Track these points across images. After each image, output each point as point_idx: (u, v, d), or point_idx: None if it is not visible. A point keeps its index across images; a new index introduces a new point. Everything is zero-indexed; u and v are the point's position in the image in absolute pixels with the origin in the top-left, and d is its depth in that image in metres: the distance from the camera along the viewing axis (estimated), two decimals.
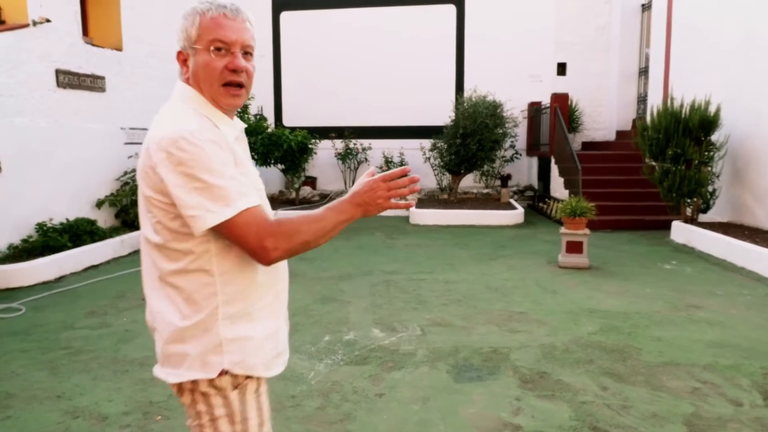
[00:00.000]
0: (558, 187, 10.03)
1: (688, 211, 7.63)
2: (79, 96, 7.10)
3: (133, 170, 7.79)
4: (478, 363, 3.58)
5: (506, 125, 10.22)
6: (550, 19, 11.87)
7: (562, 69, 12.01)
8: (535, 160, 11.80)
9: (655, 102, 9.24)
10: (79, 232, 6.44)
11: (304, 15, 12.49)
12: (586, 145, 11.61)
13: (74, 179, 6.92)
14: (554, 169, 10.30)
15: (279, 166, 10.30)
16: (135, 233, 7.21)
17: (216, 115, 1.35)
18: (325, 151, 12.03)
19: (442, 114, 11.03)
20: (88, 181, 7.19)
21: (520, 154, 11.79)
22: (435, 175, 11.28)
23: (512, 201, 10.62)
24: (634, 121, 11.10)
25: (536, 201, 11.05)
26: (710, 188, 7.45)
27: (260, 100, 12.15)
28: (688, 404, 3.00)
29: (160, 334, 1.35)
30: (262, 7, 12.48)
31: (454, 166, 10.30)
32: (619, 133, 11.63)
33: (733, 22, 7.67)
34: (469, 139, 9.81)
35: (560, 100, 10.14)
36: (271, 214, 1.34)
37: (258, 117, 11.27)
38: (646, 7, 11.27)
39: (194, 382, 1.32)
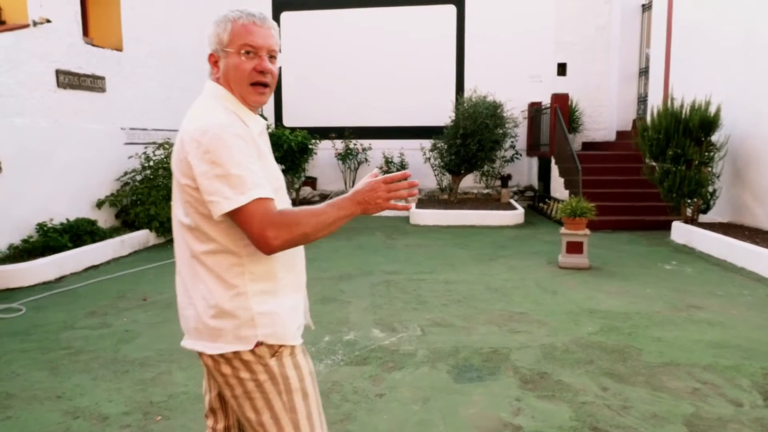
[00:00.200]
0: (558, 188, 10.03)
1: (689, 211, 7.63)
2: (79, 96, 7.10)
3: (133, 170, 7.80)
4: (479, 363, 3.58)
5: (506, 125, 10.22)
6: (550, 19, 11.87)
7: (562, 69, 12.00)
8: (535, 161, 11.80)
9: (655, 102, 9.24)
10: (79, 233, 6.44)
11: (304, 15, 12.50)
12: (587, 146, 11.61)
13: (74, 179, 6.92)
14: (554, 170, 10.30)
15: (279, 166, 10.28)
16: (135, 233, 7.22)
17: (243, 111, 1.50)
18: (325, 151, 12.03)
19: (443, 114, 11.03)
20: (89, 181, 7.19)
21: (521, 155, 11.79)
22: (435, 176, 11.28)
23: (512, 201, 10.62)
24: (634, 121, 11.10)
25: (536, 201, 11.05)
26: (710, 188, 7.44)
27: None
28: (688, 405, 3.00)
29: (194, 310, 1.47)
30: (262, 8, 12.33)
31: (455, 167, 10.30)
32: (620, 134, 11.63)
33: (734, 22, 7.67)
34: (470, 140, 9.81)
35: (560, 100, 10.14)
36: (288, 206, 1.47)
37: None
38: (646, 7, 11.27)
39: (236, 353, 1.44)
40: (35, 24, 6.31)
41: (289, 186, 10.89)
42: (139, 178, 7.79)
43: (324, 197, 11.16)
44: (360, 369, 3.51)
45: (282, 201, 1.50)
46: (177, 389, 3.26)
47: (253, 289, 1.44)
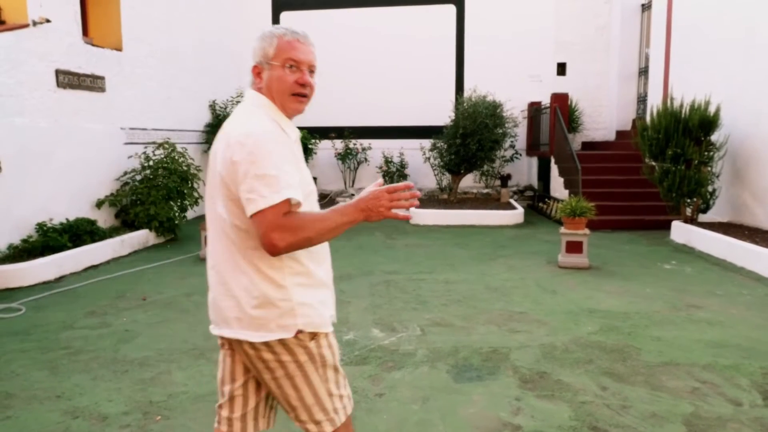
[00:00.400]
0: (558, 187, 10.03)
1: (688, 211, 7.63)
2: (79, 96, 7.10)
3: (133, 170, 7.80)
4: (478, 363, 3.58)
5: (506, 125, 10.21)
6: (550, 19, 11.87)
7: (561, 69, 12.01)
8: (534, 160, 11.80)
9: (654, 102, 9.24)
10: (79, 232, 6.44)
11: (304, 15, 12.49)
12: (586, 145, 11.61)
13: (74, 179, 6.92)
14: (554, 169, 10.30)
15: None
16: (135, 233, 7.22)
17: (283, 119, 1.64)
18: (325, 151, 12.03)
19: (442, 114, 11.03)
20: (88, 181, 7.19)
21: (520, 154, 11.79)
22: (435, 175, 11.28)
23: (512, 201, 10.62)
24: (634, 121, 11.09)
25: (536, 201, 11.06)
26: (710, 188, 7.45)
27: None
28: (687, 404, 3.00)
29: (235, 301, 1.59)
30: (262, 7, 12.49)
31: (454, 166, 10.30)
32: (619, 133, 11.63)
33: (733, 22, 7.68)
34: (469, 139, 9.81)
35: (560, 100, 10.15)
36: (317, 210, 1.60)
37: None
38: (646, 7, 11.28)
39: (279, 340, 1.59)
40: (35, 24, 6.31)
41: None
42: (138, 177, 7.79)
43: (323, 197, 11.17)
44: (360, 369, 3.51)
45: (312, 206, 1.63)
46: (176, 389, 3.26)
47: (292, 282, 1.59)
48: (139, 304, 4.93)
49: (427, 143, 11.06)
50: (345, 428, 1.75)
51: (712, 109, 7.20)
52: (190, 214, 8.66)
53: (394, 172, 11.67)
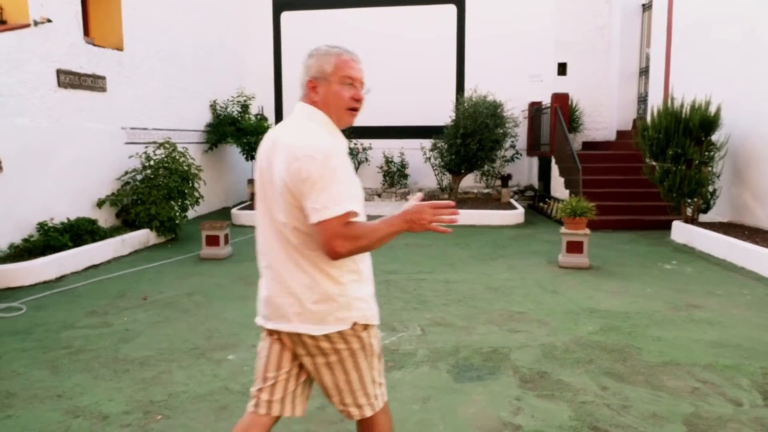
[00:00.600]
0: (558, 187, 10.03)
1: (689, 211, 7.63)
2: (80, 96, 7.11)
3: (134, 170, 7.80)
4: (479, 363, 3.58)
5: (506, 125, 10.22)
6: (551, 19, 11.87)
7: (562, 69, 12.00)
8: (535, 160, 11.80)
9: (655, 102, 9.24)
10: (79, 232, 6.45)
11: (304, 15, 12.50)
12: (587, 145, 11.61)
13: (75, 179, 6.93)
14: (554, 169, 10.30)
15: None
16: (135, 233, 7.22)
17: (336, 132, 1.80)
18: None
19: (443, 114, 11.03)
20: (89, 180, 7.20)
21: (521, 154, 11.79)
22: (435, 175, 11.28)
23: (512, 201, 10.62)
24: (634, 121, 11.09)
25: (536, 201, 11.06)
26: (710, 188, 7.44)
27: (261, 100, 12.16)
28: (688, 404, 3.00)
29: (294, 298, 1.74)
30: (262, 7, 12.49)
31: (455, 166, 10.30)
32: (620, 133, 11.63)
33: (734, 22, 7.67)
34: (470, 139, 9.81)
35: (561, 100, 10.14)
36: (363, 216, 1.73)
37: (259, 117, 11.28)
38: (646, 7, 11.27)
39: (328, 336, 1.75)
40: (36, 24, 6.31)
41: None
42: (139, 177, 7.80)
43: None
44: None
45: (361, 210, 1.76)
46: (177, 388, 3.27)
47: (348, 279, 1.75)
48: (139, 304, 4.94)
49: (427, 143, 11.06)
50: (384, 414, 1.93)
51: (712, 109, 7.20)
52: (191, 213, 8.67)
53: (395, 172, 11.67)
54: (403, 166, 11.72)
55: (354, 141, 11.99)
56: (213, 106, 10.78)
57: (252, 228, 8.87)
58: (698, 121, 7.10)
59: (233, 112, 10.80)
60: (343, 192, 1.62)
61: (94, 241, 6.53)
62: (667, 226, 7.97)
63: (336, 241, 1.61)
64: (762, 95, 7.10)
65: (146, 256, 6.90)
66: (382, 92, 12.36)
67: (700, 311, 4.60)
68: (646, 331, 4.14)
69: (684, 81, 8.59)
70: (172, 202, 7.68)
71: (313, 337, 1.76)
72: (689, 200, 7.49)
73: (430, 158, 10.90)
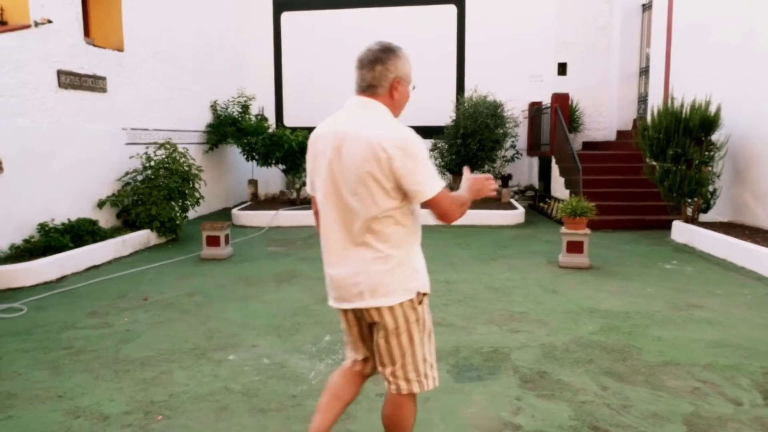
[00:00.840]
0: (558, 187, 10.03)
1: (689, 210, 7.63)
2: (81, 96, 7.12)
3: (135, 171, 7.81)
4: (479, 363, 3.59)
5: (507, 125, 10.22)
6: (551, 19, 11.87)
7: (562, 69, 12.00)
8: (535, 160, 11.80)
9: (655, 102, 9.24)
10: (80, 233, 6.46)
11: (304, 15, 12.50)
12: (587, 145, 11.61)
13: (76, 179, 6.94)
14: (555, 169, 10.30)
15: (280, 166, 10.31)
16: (136, 233, 7.23)
17: None
18: None
19: (443, 114, 11.03)
20: (90, 181, 7.21)
21: (521, 154, 11.78)
22: None
23: (513, 201, 10.62)
24: (634, 120, 11.09)
25: (537, 201, 11.06)
26: (711, 188, 7.44)
27: (261, 100, 12.16)
28: (688, 404, 3.01)
29: (367, 275, 1.92)
30: (262, 8, 12.49)
31: (455, 166, 10.30)
32: (620, 133, 11.63)
33: (734, 22, 7.68)
34: (470, 139, 9.81)
35: (561, 100, 10.14)
36: None
37: (259, 117, 11.29)
38: (646, 7, 11.27)
39: (401, 302, 1.94)
40: (36, 25, 6.32)
41: (290, 186, 10.90)
42: (140, 178, 7.80)
43: None
44: None
45: None
46: (178, 389, 3.27)
47: (411, 252, 1.98)
48: (140, 304, 4.94)
49: (427, 143, 11.06)
50: (414, 403, 2.12)
51: (712, 109, 7.20)
52: (192, 214, 8.67)
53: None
54: None
55: None
56: (213, 107, 10.79)
57: (252, 229, 8.88)
58: (698, 121, 7.10)
59: (234, 112, 10.81)
60: (435, 171, 1.91)
61: (94, 241, 6.54)
62: (667, 226, 7.97)
63: (451, 208, 1.93)
64: (762, 95, 7.10)
65: (147, 256, 6.90)
66: None
67: (701, 311, 4.60)
68: (646, 330, 4.14)
69: (684, 81, 8.59)
70: (173, 203, 7.69)
71: (379, 310, 1.95)
72: (689, 200, 7.49)
73: (430, 158, 10.88)
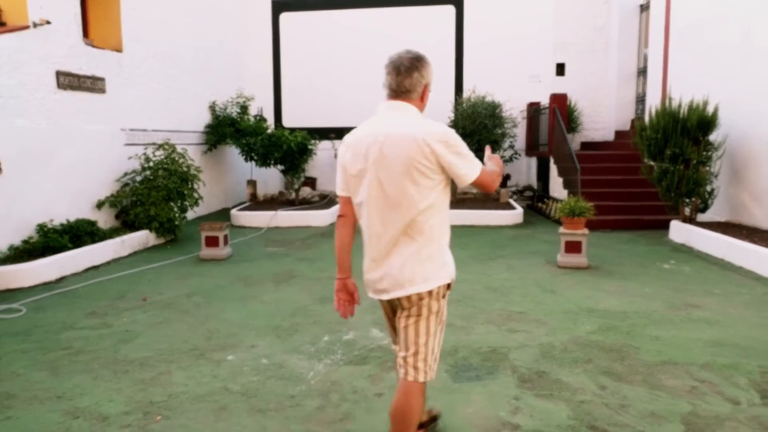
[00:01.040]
0: (557, 187, 10.04)
1: (687, 210, 7.64)
2: (80, 97, 7.12)
3: (133, 171, 7.81)
4: (477, 362, 3.60)
5: (505, 125, 10.23)
6: (549, 19, 11.88)
7: (561, 69, 12.02)
8: (534, 160, 11.82)
9: (653, 102, 9.26)
10: (79, 233, 6.46)
11: (303, 16, 12.51)
12: (585, 145, 11.62)
13: (75, 180, 6.94)
14: (553, 169, 10.32)
15: (279, 166, 10.31)
16: (135, 234, 7.23)
17: None
18: (325, 151, 12.04)
19: (442, 114, 11.04)
20: (89, 182, 7.20)
21: (519, 155, 11.80)
22: None
23: (511, 201, 10.63)
24: (632, 121, 11.11)
25: (535, 201, 11.07)
26: (708, 188, 7.46)
27: (260, 101, 12.17)
28: (685, 403, 3.02)
29: (410, 265, 2.12)
30: (262, 8, 12.50)
31: None
32: (618, 133, 11.64)
33: (731, 23, 7.69)
34: (468, 140, 9.80)
35: (559, 100, 10.16)
36: None
37: (258, 118, 11.29)
38: (644, 8, 11.29)
39: (429, 292, 2.14)
40: (35, 25, 6.32)
41: (289, 186, 10.91)
42: (139, 178, 7.80)
43: (324, 197, 11.17)
44: (359, 368, 3.52)
45: None
46: (177, 389, 3.28)
47: (446, 241, 2.23)
48: (139, 305, 4.95)
49: None
50: (423, 394, 2.26)
51: (710, 109, 7.21)
52: (190, 214, 8.67)
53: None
54: None
55: None
56: (212, 107, 10.79)
57: (251, 229, 8.89)
58: (696, 121, 7.12)
59: (232, 113, 10.81)
60: (473, 155, 2.16)
61: (93, 242, 6.54)
62: (665, 226, 7.98)
63: (495, 180, 2.27)
64: (760, 96, 7.12)
65: (146, 257, 6.90)
66: (380, 93, 12.43)
67: (699, 311, 4.61)
68: (644, 330, 4.15)
69: (682, 81, 8.61)
70: (172, 203, 7.69)
71: (410, 296, 2.13)
72: (687, 200, 7.51)
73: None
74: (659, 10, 9.76)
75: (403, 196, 2.08)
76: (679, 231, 7.54)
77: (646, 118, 7.99)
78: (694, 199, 7.46)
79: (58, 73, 6.69)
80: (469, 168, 2.12)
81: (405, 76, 2.14)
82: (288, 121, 12.38)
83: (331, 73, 12.40)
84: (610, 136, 11.83)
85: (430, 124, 2.10)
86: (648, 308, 4.68)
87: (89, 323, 4.46)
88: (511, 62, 11.89)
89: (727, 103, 7.42)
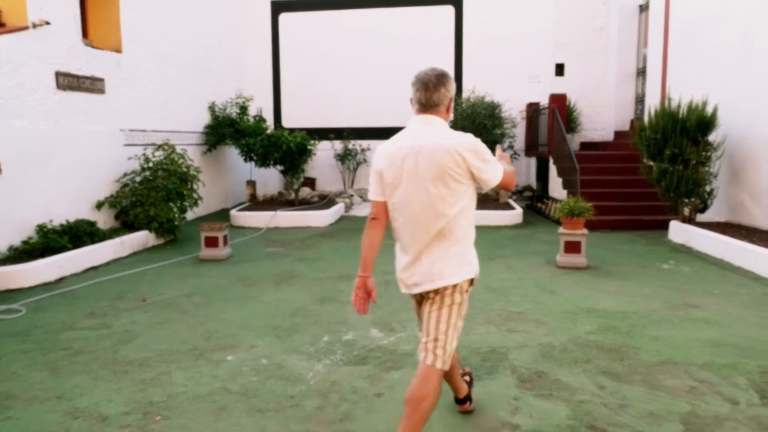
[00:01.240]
0: (556, 188, 10.05)
1: (686, 210, 7.65)
2: (79, 98, 7.12)
3: (133, 172, 7.81)
4: (477, 363, 3.60)
5: (505, 126, 10.23)
6: (549, 20, 11.89)
7: (560, 70, 12.03)
8: (533, 161, 11.83)
9: (652, 102, 9.27)
10: (79, 234, 6.46)
11: (303, 16, 12.52)
12: (585, 146, 11.63)
13: (74, 181, 6.94)
14: (552, 170, 10.32)
15: (278, 167, 10.31)
16: (135, 234, 7.23)
17: None
18: (324, 152, 12.05)
19: None
20: (88, 182, 7.21)
21: (519, 155, 11.81)
22: None
23: (511, 201, 10.63)
24: (632, 121, 11.12)
25: (535, 201, 11.08)
26: (708, 188, 7.46)
27: (259, 101, 12.17)
28: (685, 403, 3.02)
29: (441, 263, 2.33)
30: (261, 9, 12.51)
31: None
32: (617, 134, 11.65)
33: (731, 23, 7.70)
34: None
35: (558, 100, 10.16)
36: None
37: (257, 118, 11.29)
38: (643, 8, 11.31)
39: (455, 285, 2.34)
40: (34, 26, 6.32)
41: (289, 186, 10.91)
42: (138, 179, 7.81)
43: (323, 197, 11.18)
44: (359, 369, 3.53)
45: None
46: (176, 389, 3.28)
47: (472, 239, 2.44)
48: (138, 305, 4.95)
49: None
50: (440, 382, 2.38)
51: (709, 110, 7.22)
52: (190, 215, 8.68)
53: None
54: None
55: (353, 142, 12.01)
56: (212, 108, 10.79)
57: (250, 229, 8.89)
58: (695, 121, 7.12)
59: (232, 113, 10.81)
60: (496, 160, 2.40)
61: (93, 242, 6.54)
62: (664, 226, 7.99)
63: (512, 181, 2.49)
64: (759, 96, 7.13)
65: (145, 257, 6.91)
66: (380, 93, 12.47)
67: (698, 311, 4.62)
68: (643, 330, 4.15)
69: (681, 81, 8.62)
70: (171, 204, 7.69)
71: (441, 287, 2.33)
72: (686, 200, 7.51)
73: None
74: (658, 10, 9.77)
75: (438, 201, 2.29)
76: (678, 231, 7.54)
77: (646, 119, 7.99)
78: (693, 199, 7.46)
79: (58, 74, 6.69)
80: (494, 173, 2.34)
81: (433, 92, 2.34)
82: (287, 122, 12.39)
83: (330, 74, 12.41)
84: (609, 137, 11.84)
85: (461, 135, 2.33)
86: (647, 308, 4.69)
87: (89, 324, 4.46)
88: (511, 62, 11.90)
89: (727, 103, 7.42)
